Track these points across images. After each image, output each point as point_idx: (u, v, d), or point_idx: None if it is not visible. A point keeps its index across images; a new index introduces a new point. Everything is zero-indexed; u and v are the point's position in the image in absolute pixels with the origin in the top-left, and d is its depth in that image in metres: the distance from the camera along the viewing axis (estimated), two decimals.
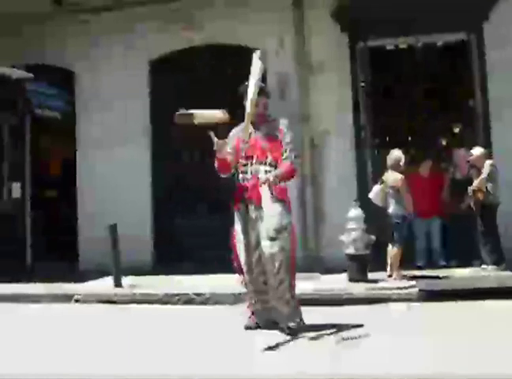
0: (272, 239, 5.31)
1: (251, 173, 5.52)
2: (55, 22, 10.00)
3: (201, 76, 9.87)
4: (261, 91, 5.76)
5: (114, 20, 9.93)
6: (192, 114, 5.75)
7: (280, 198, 5.45)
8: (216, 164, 5.63)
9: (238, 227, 5.60)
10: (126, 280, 8.01)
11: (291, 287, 5.49)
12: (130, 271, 8.28)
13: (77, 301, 7.59)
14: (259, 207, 5.41)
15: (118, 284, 7.92)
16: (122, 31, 9.87)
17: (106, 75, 9.97)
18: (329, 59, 9.31)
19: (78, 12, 9.96)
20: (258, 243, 5.46)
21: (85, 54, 10.04)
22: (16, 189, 9.72)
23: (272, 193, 5.34)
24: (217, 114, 5.76)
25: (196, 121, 5.75)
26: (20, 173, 9.80)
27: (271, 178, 5.31)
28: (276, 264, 5.35)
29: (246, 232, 5.52)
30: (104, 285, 8.12)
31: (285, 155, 5.53)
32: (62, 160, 11.57)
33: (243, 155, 5.59)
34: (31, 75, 9.07)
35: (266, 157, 5.53)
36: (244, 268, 5.58)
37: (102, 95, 9.99)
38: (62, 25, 10.03)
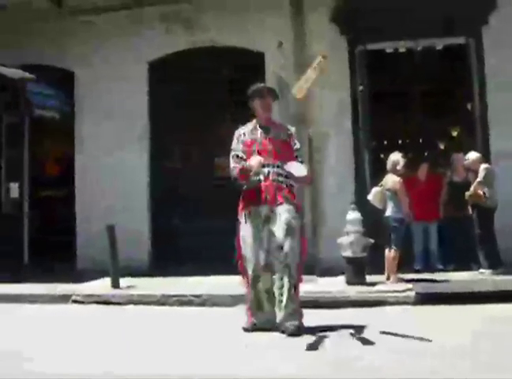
0: (285, 237, 5.39)
1: (264, 175, 5.55)
2: (55, 23, 10.00)
3: (200, 78, 9.87)
4: (270, 93, 5.84)
5: (113, 22, 9.94)
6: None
7: (292, 201, 5.57)
8: (236, 173, 5.64)
9: (245, 229, 5.62)
10: (124, 281, 8.02)
11: (296, 289, 5.52)
12: (128, 270, 8.29)
13: (74, 301, 7.59)
14: (272, 207, 5.44)
15: (115, 285, 7.94)
16: (121, 33, 9.89)
17: (105, 76, 9.96)
18: (328, 62, 9.29)
19: (78, 13, 9.97)
20: (268, 245, 5.50)
21: (85, 55, 10.03)
22: (14, 189, 9.71)
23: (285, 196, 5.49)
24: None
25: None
26: (18, 173, 9.80)
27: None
28: (285, 265, 5.41)
29: (256, 234, 5.54)
30: (102, 286, 8.13)
31: (299, 160, 5.71)
32: (60, 160, 11.56)
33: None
34: (33, 76, 9.06)
35: (278, 160, 5.57)
36: (249, 270, 5.59)
37: (101, 95, 9.99)
38: (62, 26, 10.02)
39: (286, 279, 5.42)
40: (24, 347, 5.28)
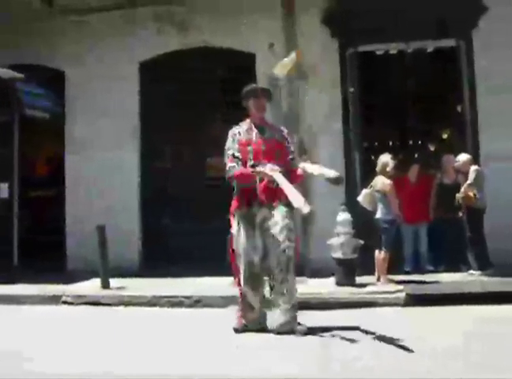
0: (283, 241, 5.40)
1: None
2: (46, 23, 9.93)
3: (192, 78, 9.86)
4: (264, 93, 5.85)
5: (105, 22, 9.89)
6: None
7: (285, 202, 5.54)
8: (238, 175, 5.59)
9: (238, 229, 5.61)
10: (114, 282, 7.99)
11: (292, 289, 5.53)
12: (118, 271, 8.26)
13: (64, 302, 7.56)
14: (267, 207, 5.40)
15: (105, 286, 7.91)
16: (112, 33, 9.85)
17: (96, 76, 9.91)
18: (320, 64, 9.33)
19: (70, 12, 9.92)
20: (262, 245, 5.49)
21: (76, 55, 9.99)
22: (3, 190, 9.65)
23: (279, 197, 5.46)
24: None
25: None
26: (8, 173, 9.74)
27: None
28: (284, 267, 5.42)
29: (250, 235, 5.53)
30: (92, 286, 8.09)
31: (293, 163, 5.74)
32: (50, 161, 11.51)
33: (251, 157, 5.61)
34: (21, 75, 9.02)
35: (273, 160, 5.58)
36: (242, 270, 5.58)
37: (92, 95, 9.94)
38: (53, 26, 9.96)
39: (286, 281, 5.43)
40: (22, 347, 5.29)
